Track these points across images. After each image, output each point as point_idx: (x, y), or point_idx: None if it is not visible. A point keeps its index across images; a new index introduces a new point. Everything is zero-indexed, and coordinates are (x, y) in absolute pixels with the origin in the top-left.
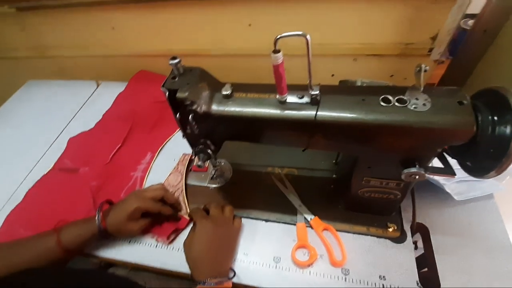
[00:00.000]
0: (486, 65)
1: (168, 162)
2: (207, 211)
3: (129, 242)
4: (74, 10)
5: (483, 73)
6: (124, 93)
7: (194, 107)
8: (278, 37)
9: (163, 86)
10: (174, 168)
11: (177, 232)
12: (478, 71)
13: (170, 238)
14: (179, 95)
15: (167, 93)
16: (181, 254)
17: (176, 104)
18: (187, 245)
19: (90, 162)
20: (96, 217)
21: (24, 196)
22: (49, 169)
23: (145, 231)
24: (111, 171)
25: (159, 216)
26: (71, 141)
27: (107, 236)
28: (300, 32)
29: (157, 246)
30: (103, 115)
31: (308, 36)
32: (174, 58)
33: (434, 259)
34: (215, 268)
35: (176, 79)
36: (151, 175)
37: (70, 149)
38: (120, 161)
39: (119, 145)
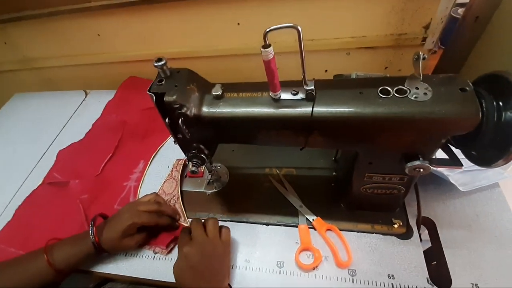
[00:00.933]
0: (479, 53)
1: (162, 169)
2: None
3: (126, 255)
4: (57, 19)
5: (477, 61)
6: (113, 101)
7: (184, 110)
8: (268, 30)
9: (149, 90)
10: (169, 175)
11: (176, 241)
12: (472, 59)
13: (169, 247)
14: (167, 98)
15: (154, 98)
16: None
17: (165, 109)
18: (174, 273)
19: (80, 175)
20: (90, 234)
21: (14, 214)
22: (38, 184)
23: (141, 245)
24: (102, 182)
25: (156, 228)
26: (60, 153)
27: (102, 253)
28: (291, 24)
29: (155, 258)
30: (93, 124)
31: (299, 27)
32: (159, 59)
33: (444, 254)
34: None
35: (163, 82)
36: (145, 183)
37: (59, 162)
38: (111, 171)
39: (110, 155)
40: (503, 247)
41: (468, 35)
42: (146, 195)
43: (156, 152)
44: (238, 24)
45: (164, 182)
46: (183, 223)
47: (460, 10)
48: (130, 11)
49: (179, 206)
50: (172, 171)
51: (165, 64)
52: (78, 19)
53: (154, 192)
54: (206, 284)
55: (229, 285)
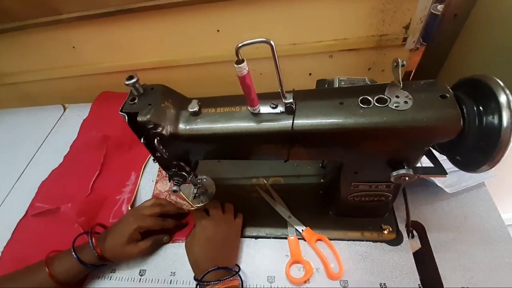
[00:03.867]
0: (460, 48)
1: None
2: (207, 212)
3: (110, 279)
4: (29, 32)
5: (458, 56)
6: (89, 119)
7: (159, 130)
8: (239, 45)
9: (121, 110)
10: (158, 175)
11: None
12: (453, 54)
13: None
14: (140, 118)
15: (126, 118)
16: None
17: (139, 129)
18: (188, 246)
19: (69, 199)
20: (90, 243)
21: (1, 254)
22: (19, 219)
23: (145, 255)
24: (96, 201)
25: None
26: (43, 184)
27: (104, 262)
28: (263, 39)
29: (141, 281)
30: (71, 146)
31: (272, 42)
32: (130, 77)
33: (434, 259)
34: (216, 265)
35: (136, 100)
36: (140, 194)
37: (41, 192)
38: (102, 189)
39: (97, 172)
40: (491, 247)
41: (449, 31)
42: (146, 200)
43: (147, 161)
44: (218, 31)
45: (156, 182)
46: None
47: (440, 7)
48: (105, 22)
49: (180, 196)
50: (161, 171)
51: (137, 81)
52: (51, 32)
53: (153, 197)
54: (218, 257)
55: (236, 265)
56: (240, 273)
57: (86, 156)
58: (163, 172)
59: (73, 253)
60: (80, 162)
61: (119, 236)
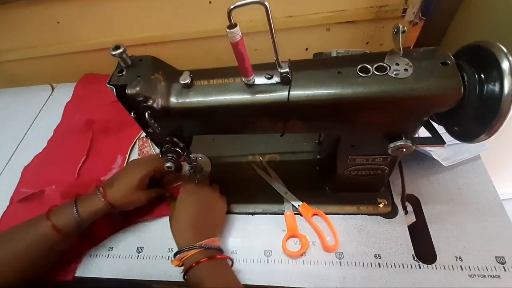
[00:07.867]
0: (459, 23)
1: None
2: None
3: (107, 257)
4: (10, 7)
5: (458, 30)
6: (72, 102)
7: (150, 103)
8: (232, 7)
9: (108, 82)
10: (140, 155)
11: None
12: (453, 29)
13: None
14: (129, 91)
15: (114, 91)
16: None
17: (128, 102)
18: (171, 214)
19: (55, 182)
20: (97, 193)
21: None
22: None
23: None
24: (80, 184)
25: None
26: (26, 169)
27: (111, 210)
28: (257, 0)
29: (139, 258)
30: (55, 130)
31: (266, 3)
32: (117, 47)
33: (428, 230)
34: (199, 235)
35: (124, 72)
36: None
37: (25, 177)
38: (89, 173)
39: (84, 157)
40: (485, 218)
41: (448, 4)
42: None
43: (134, 143)
44: (210, 2)
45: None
46: None
47: None
48: None
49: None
50: (141, 149)
51: (124, 51)
52: (33, 6)
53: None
54: (201, 226)
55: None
56: (237, 248)
57: (72, 141)
58: (144, 150)
59: (74, 208)
60: (66, 147)
61: (127, 183)
